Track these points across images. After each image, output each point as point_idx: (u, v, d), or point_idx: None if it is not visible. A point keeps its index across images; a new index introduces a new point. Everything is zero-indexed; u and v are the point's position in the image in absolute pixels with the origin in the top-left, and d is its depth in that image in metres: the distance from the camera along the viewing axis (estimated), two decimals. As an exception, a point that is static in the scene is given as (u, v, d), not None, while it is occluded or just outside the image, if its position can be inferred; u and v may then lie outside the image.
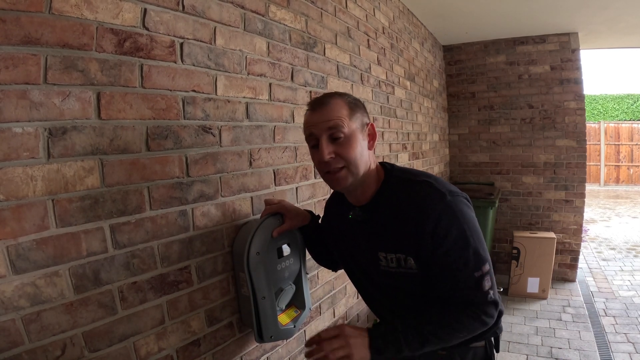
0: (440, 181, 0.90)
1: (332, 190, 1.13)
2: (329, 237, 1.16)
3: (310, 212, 1.23)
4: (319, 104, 0.91)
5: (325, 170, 0.90)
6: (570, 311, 3.18)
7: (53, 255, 0.74)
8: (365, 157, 0.91)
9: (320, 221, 1.22)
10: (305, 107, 0.95)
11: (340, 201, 1.06)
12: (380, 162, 0.99)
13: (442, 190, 0.85)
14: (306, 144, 1.54)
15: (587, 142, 3.73)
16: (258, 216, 1.26)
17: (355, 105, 0.92)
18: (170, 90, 0.97)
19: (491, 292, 0.86)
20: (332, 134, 0.88)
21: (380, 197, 0.94)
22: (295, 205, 1.46)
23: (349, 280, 1.23)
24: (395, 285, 0.95)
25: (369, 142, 0.93)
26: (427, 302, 0.92)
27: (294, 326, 1.26)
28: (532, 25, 3.38)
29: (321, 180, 1.64)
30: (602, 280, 3.87)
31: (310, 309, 1.36)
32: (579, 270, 3.85)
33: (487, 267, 0.85)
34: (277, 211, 1.16)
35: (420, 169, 3.01)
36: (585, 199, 3.72)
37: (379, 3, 2.26)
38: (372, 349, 0.83)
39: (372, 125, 0.94)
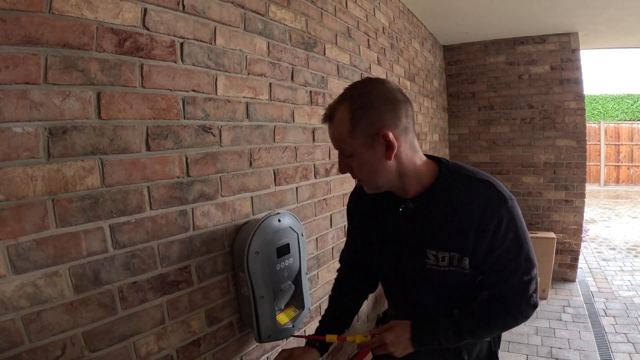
0: (499, 183, 0.86)
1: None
2: (361, 233, 1.06)
3: (314, 343, 1.05)
4: (326, 117, 0.85)
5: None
6: (570, 311, 3.17)
7: (53, 255, 0.74)
8: (383, 169, 0.83)
9: (348, 218, 1.11)
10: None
11: (382, 193, 0.95)
12: (429, 156, 0.92)
13: (504, 194, 0.83)
14: (306, 144, 1.55)
15: (587, 142, 3.73)
16: (258, 216, 1.26)
17: (360, 114, 0.80)
18: (171, 90, 0.97)
19: (535, 295, 0.88)
20: (341, 151, 0.85)
21: (436, 190, 0.87)
22: (297, 203, 1.47)
23: (322, 315, 1.13)
24: (439, 284, 0.91)
25: (385, 152, 0.82)
26: (461, 300, 0.94)
27: (293, 326, 1.26)
28: (532, 25, 3.37)
29: (321, 180, 1.64)
30: (602, 280, 3.87)
31: (309, 309, 1.36)
32: (579, 270, 3.85)
33: (535, 271, 0.86)
34: None
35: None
36: (585, 199, 3.71)
37: (379, 3, 2.26)
38: (415, 342, 0.91)
39: (385, 134, 0.80)
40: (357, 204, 1.06)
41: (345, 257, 1.16)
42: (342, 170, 0.87)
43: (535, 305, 0.89)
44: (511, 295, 0.87)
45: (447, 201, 0.86)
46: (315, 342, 1.06)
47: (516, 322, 0.90)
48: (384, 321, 1.20)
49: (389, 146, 0.81)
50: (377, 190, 0.89)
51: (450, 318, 0.91)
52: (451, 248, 0.86)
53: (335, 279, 1.17)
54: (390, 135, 0.80)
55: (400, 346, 0.91)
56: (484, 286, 0.91)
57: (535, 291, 0.87)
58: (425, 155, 0.92)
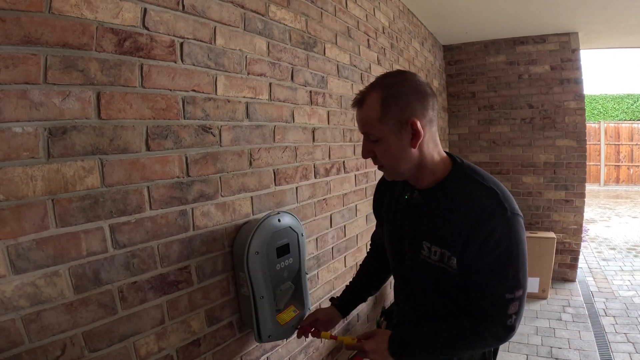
0: (506, 195, 0.86)
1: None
2: (380, 215, 1.14)
3: (337, 307, 1.21)
4: (356, 102, 0.89)
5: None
6: (570, 311, 3.18)
7: (53, 255, 0.74)
8: (406, 156, 0.87)
9: (373, 203, 1.18)
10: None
11: (400, 182, 1.02)
12: (449, 154, 0.95)
13: (505, 205, 0.83)
14: (306, 144, 1.55)
15: (587, 142, 3.73)
16: (258, 216, 1.26)
17: (392, 102, 0.84)
18: (170, 90, 0.97)
19: (513, 317, 0.85)
20: (366, 136, 0.89)
21: (443, 187, 0.90)
22: (297, 203, 1.47)
23: (350, 281, 1.24)
24: (428, 277, 0.94)
25: (411, 140, 0.85)
26: (447, 306, 0.94)
27: (293, 326, 1.26)
28: (532, 25, 3.37)
29: (321, 180, 1.64)
30: (602, 280, 3.87)
31: (309, 308, 1.36)
32: (579, 270, 3.85)
33: (521, 292, 0.84)
34: (311, 323, 1.20)
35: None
36: (585, 199, 3.71)
37: (379, 3, 2.26)
38: (391, 353, 0.94)
39: (413, 122, 0.84)
40: (380, 190, 1.14)
41: (375, 236, 1.29)
42: (365, 155, 0.90)
43: (511, 329, 0.85)
44: (489, 310, 0.85)
45: (450, 199, 0.88)
46: (336, 301, 1.21)
47: (486, 344, 0.88)
48: (387, 314, 1.25)
49: (415, 134, 0.85)
50: (396, 178, 0.93)
51: (426, 333, 0.92)
52: (443, 244, 0.88)
53: (367, 253, 1.31)
54: (418, 123, 0.84)
55: (378, 355, 0.95)
56: (467, 295, 0.89)
57: (516, 314, 0.84)
58: (445, 152, 0.94)
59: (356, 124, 0.93)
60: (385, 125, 0.85)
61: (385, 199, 1.09)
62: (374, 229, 1.31)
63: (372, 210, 1.21)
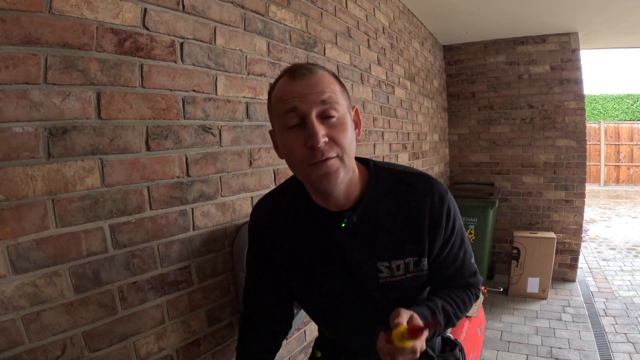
0: (426, 173, 0.85)
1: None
2: (279, 265, 0.85)
3: None
4: (304, 71, 0.69)
5: (314, 160, 0.67)
6: (570, 311, 3.17)
7: (53, 255, 0.74)
8: (354, 147, 0.72)
9: (254, 246, 0.89)
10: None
11: (292, 212, 0.82)
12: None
13: (438, 181, 0.81)
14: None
15: (587, 142, 3.73)
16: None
17: (342, 83, 0.74)
18: (170, 90, 0.97)
19: (479, 275, 0.90)
20: (324, 110, 0.67)
21: (374, 194, 0.77)
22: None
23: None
24: (394, 295, 0.80)
25: (355, 129, 0.74)
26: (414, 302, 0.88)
27: (292, 325, 1.26)
28: (532, 25, 3.38)
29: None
30: (602, 280, 3.87)
31: (310, 308, 1.36)
32: (579, 270, 3.85)
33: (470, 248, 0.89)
34: None
35: (420, 169, 3.01)
36: (585, 199, 3.71)
37: (379, 3, 2.26)
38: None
39: (356, 110, 0.76)
40: (271, 229, 0.84)
41: (252, 296, 0.93)
42: (321, 139, 0.66)
43: (480, 280, 0.92)
44: (468, 281, 0.88)
45: (392, 203, 0.77)
46: None
47: (476, 299, 0.91)
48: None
49: (358, 123, 0.76)
50: (342, 178, 0.70)
51: (438, 304, 0.81)
52: (406, 254, 0.77)
53: (242, 328, 0.96)
54: (359, 113, 0.78)
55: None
56: (440, 280, 0.85)
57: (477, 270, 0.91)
58: None
59: (294, 98, 0.67)
60: (345, 102, 0.72)
61: (288, 242, 0.83)
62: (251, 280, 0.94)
63: None
